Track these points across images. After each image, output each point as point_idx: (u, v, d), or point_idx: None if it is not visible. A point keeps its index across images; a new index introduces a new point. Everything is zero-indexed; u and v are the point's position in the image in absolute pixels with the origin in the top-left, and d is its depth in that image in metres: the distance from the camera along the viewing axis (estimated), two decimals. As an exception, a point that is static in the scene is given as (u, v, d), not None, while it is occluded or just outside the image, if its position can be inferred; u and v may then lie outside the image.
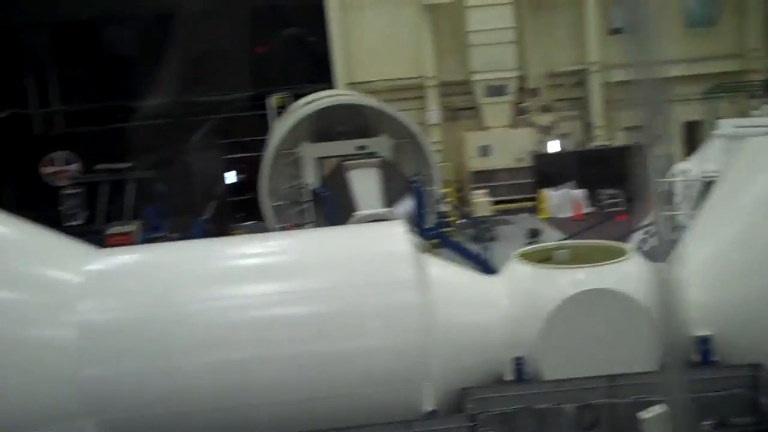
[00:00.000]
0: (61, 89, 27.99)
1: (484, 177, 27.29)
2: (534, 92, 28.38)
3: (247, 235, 11.82)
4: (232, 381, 6.74)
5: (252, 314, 6.90)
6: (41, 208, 18.88)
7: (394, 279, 6.98)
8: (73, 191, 22.32)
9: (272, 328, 6.83)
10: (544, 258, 8.12)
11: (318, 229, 11.42)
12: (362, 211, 13.99)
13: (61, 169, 24.22)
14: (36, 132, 27.45)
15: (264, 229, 21.42)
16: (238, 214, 25.97)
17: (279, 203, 17.39)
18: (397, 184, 15.25)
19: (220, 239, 8.80)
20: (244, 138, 26.79)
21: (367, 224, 11.13)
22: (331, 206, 13.91)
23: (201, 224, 17.69)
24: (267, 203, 18.49)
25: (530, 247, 8.50)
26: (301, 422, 6.68)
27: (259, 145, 26.31)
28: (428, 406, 6.86)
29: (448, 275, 7.58)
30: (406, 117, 18.85)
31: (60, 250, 7.44)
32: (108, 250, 7.89)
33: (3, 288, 6.79)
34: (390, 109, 18.95)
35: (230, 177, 27.19)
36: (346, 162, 15.35)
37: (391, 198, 14.81)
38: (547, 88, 28.37)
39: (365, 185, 14.64)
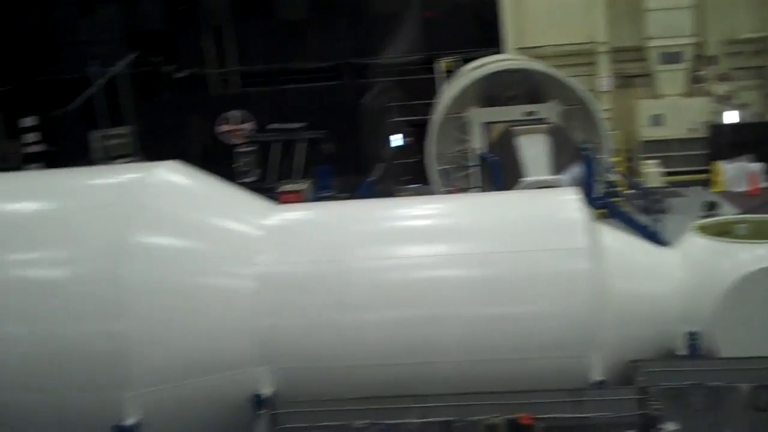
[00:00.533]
0: (238, 50, 28.93)
1: (654, 147, 26.40)
2: (711, 60, 27.14)
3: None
4: (402, 339, 6.89)
5: (424, 274, 7.02)
6: (217, 164, 19.72)
7: (567, 246, 6.93)
8: (247, 149, 23.14)
9: (443, 288, 6.92)
10: (721, 232, 7.84)
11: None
12: (529, 177, 13.87)
13: (235, 127, 25.11)
14: (213, 92, 28.54)
15: (428, 193, 21.61)
16: (403, 176, 26.21)
17: (445, 167, 17.44)
18: (566, 151, 15.02)
19: (393, 199, 8.96)
20: (412, 101, 26.94)
21: (539, 190, 11.07)
22: (498, 171, 13.86)
23: (369, 185, 17.97)
24: (433, 166, 18.62)
25: (708, 219, 8.24)
26: (465, 384, 6.75)
27: (427, 109, 26.47)
28: (596, 376, 6.81)
29: (621, 244, 7.46)
30: (577, 83, 18.47)
31: (242, 203, 7.77)
32: (285, 205, 8.19)
33: (187, 237, 7.16)
34: (560, 74, 18.66)
35: (396, 140, 27.43)
36: (515, 127, 15.22)
37: (559, 165, 14.60)
38: (725, 56, 27.09)
39: (533, 151, 14.49)
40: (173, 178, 7.65)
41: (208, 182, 7.91)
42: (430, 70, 26.89)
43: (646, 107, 26.92)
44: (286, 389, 6.94)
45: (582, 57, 27.05)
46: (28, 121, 28.97)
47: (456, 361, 6.82)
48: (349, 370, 6.96)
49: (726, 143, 25.12)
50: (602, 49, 27.16)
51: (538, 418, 6.58)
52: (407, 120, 27.44)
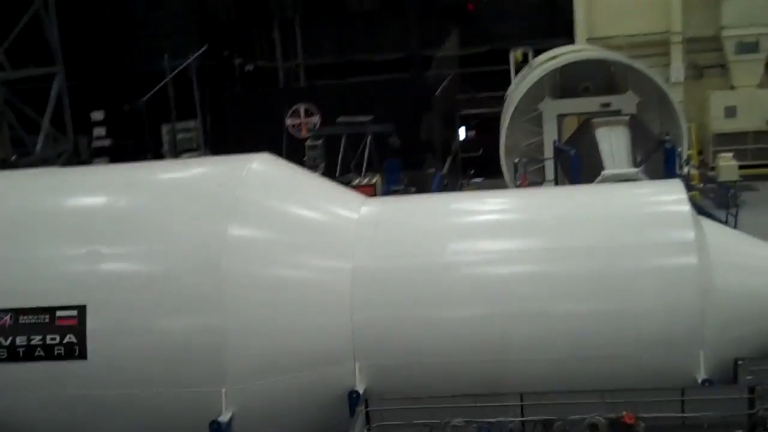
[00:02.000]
0: (306, 43, 28.97)
1: (727, 139, 25.82)
2: (789, 50, 26.42)
3: (510, 189, 11.76)
4: (500, 335, 6.74)
5: (524, 269, 6.87)
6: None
7: (675, 239, 6.71)
8: (315, 143, 23.04)
9: (544, 283, 6.75)
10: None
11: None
12: (610, 170, 13.57)
13: (303, 121, 25.11)
14: (281, 85, 28.62)
15: (497, 186, 21.37)
16: (468, 170, 26.02)
17: (518, 160, 17.20)
18: (645, 144, 14.66)
19: (484, 192, 8.81)
20: (479, 93, 26.73)
21: (635, 182, 10.86)
22: (577, 164, 13.58)
23: (440, 178, 17.80)
24: (506, 159, 18.39)
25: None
26: (565, 382, 6.59)
27: (493, 101, 26.21)
28: (701, 375, 6.58)
29: (726, 239, 7.21)
30: (656, 73, 18.09)
31: (336, 196, 7.69)
32: (377, 198, 8.10)
33: (285, 231, 7.10)
34: (639, 64, 18.28)
35: (461, 133, 27.25)
36: (594, 119, 14.92)
37: (638, 158, 14.26)
38: (804, 46, 26.34)
39: (613, 143, 14.18)
40: (268, 171, 7.60)
41: (301, 175, 7.86)
42: (497, 62, 26.67)
43: (720, 99, 26.31)
44: (379, 386, 6.85)
45: (655, 47, 26.52)
46: (98, 115, 29.40)
47: (556, 358, 6.64)
48: (444, 367, 6.83)
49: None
50: (676, 39, 26.59)
51: (641, 417, 6.38)
52: (473, 113, 27.27)
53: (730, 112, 25.98)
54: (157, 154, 24.35)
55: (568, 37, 26.28)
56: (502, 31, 27.10)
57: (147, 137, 24.74)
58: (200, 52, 24.84)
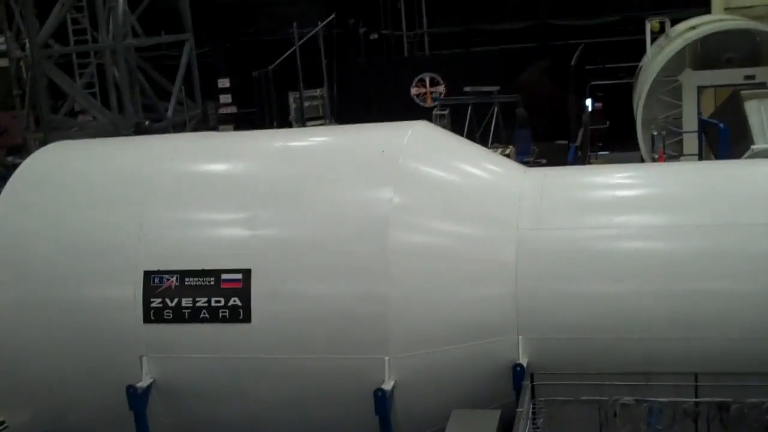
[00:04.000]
0: (428, 12, 28.72)
1: None
2: None
3: (670, 163, 11.38)
4: (669, 312, 6.48)
5: (694, 245, 6.60)
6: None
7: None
8: (440, 112, 22.92)
9: (717, 261, 6.46)
10: None
11: (746, 160, 10.73)
12: (760, 145, 12.96)
13: (428, 90, 24.99)
14: (405, 54, 28.48)
15: (625, 160, 20.78)
16: (596, 142, 25.40)
17: (656, 133, 16.65)
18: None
19: (643, 164, 8.51)
20: (609, 64, 26.03)
21: None
22: (726, 138, 13.03)
23: (574, 151, 17.42)
24: (642, 133, 17.84)
25: None
26: (741, 362, 6.31)
27: (623, 72, 25.48)
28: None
29: None
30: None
31: (497, 167, 7.52)
32: (537, 168, 7.91)
33: (448, 201, 6.97)
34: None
35: (589, 104, 26.58)
36: (743, 91, 14.27)
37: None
38: None
39: (764, 117, 13.52)
40: (428, 138, 7.48)
41: (461, 143, 7.72)
42: (629, 32, 25.89)
43: None
44: (542, 360, 6.68)
45: (797, 17, 25.28)
46: (224, 82, 29.87)
47: (734, 338, 6.34)
48: (611, 343, 6.61)
49: None
50: (820, 8, 25.26)
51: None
52: (602, 84, 26.57)
53: None
54: (283, 122, 24.57)
55: (704, 6, 25.27)
56: (635, 1, 26.26)
57: (273, 105, 24.98)
58: (328, 20, 24.88)
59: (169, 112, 24.29)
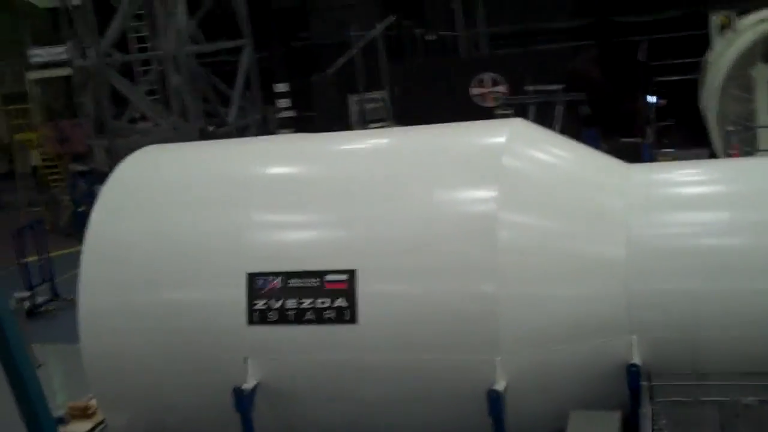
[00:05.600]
0: (486, 12, 28.53)
1: None
2: None
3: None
4: None
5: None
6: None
7: None
8: (504, 112, 22.70)
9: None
10: None
11: None
12: None
13: (489, 90, 24.80)
14: (463, 54, 28.31)
15: (697, 157, 20.40)
16: (663, 139, 25.03)
17: (731, 128, 16.33)
18: None
19: (744, 159, 8.29)
20: (672, 60, 25.60)
21: None
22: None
23: (647, 148, 17.14)
24: (715, 128, 17.51)
25: None
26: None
27: (688, 68, 25.03)
28: None
29: None
30: None
31: (603, 164, 7.39)
32: (641, 165, 7.76)
33: (557, 200, 6.84)
34: None
35: (652, 101, 26.20)
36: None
37: None
38: None
39: None
40: (529, 136, 7.36)
41: (561, 140, 7.58)
42: (692, 26, 25.44)
43: None
44: (656, 360, 6.52)
45: None
46: (282, 87, 29.94)
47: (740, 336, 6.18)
48: (727, 342, 6.44)
49: None
50: None
51: None
52: (664, 80, 26.15)
53: None
54: (343, 125, 24.55)
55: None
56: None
57: (334, 108, 24.98)
58: (387, 22, 24.81)
59: (231, 117, 24.42)
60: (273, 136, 10.28)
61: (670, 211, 6.84)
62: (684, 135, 24.77)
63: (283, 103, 29.68)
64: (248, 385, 6.90)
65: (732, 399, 6.22)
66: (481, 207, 6.71)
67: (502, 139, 7.16)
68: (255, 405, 6.93)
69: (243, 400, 6.87)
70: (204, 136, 21.39)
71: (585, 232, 6.75)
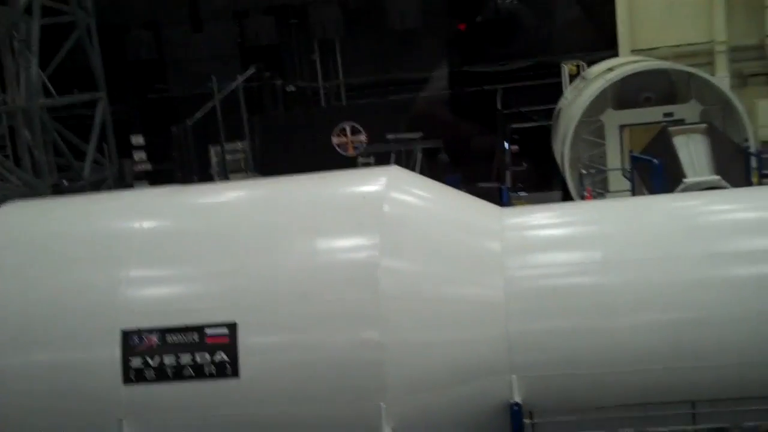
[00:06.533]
0: (347, 62, 28.94)
1: (776, 147, 25.61)
2: (835, 56, 26.31)
3: (651, 196, 11.58)
4: (663, 343, 6.54)
5: (691, 275, 6.68)
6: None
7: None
8: (367, 159, 23.04)
9: (712, 288, 6.57)
10: None
11: (752, 188, 11.05)
12: (692, 179, 13.40)
13: (349, 139, 25.08)
14: (324, 105, 28.58)
15: (542, 199, 21.19)
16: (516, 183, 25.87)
17: (585, 171, 17.06)
18: (723, 151, 14.48)
19: (626, 199, 8.61)
20: (522, 108, 26.63)
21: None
22: (660, 173, 13.41)
23: (506, 192, 17.66)
24: (569, 172, 18.25)
25: None
26: (735, 390, 6.43)
27: (537, 115, 26.10)
28: None
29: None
30: (721, 82, 17.98)
31: (477, 208, 7.54)
32: (515, 208, 7.96)
33: (436, 244, 6.93)
34: (703, 73, 18.19)
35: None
36: (671, 128, 14.78)
37: (717, 166, 14.08)
38: None
39: (692, 151, 14.01)
40: (405, 184, 7.45)
41: (438, 187, 7.70)
42: (541, 76, 26.59)
43: (766, 107, 26.11)
44: (536, 398, 6.66)
45: (699, 57, 26.42)
46: (138, 140, 29.38)
47: (727, 364, 6.44)
48: (604, 378, 6.63)
49: None
50: (720, 48, 26.49)
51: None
52: (517, 127, 27.15)
53: (779, 119, 25.79)
54: (204, 176, 24.28)
55: (612, 49, 26.19)
56: (547, 47, 27.03)
57: (193, 159, 24.69)
58: (248, 73, 24.81)
59: (86, 172, 23.75)
60: (143, 189, 10.06)
61: (546, 252, 7.03)
62: (537, 179, 25.75)
63: (140, 155, 29.14)
64: (125, 449, 6.63)
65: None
66: (363, 254, 6.71)
67: (381, 187, 7.22)
68: (135, 468, 6.66)
69: (121, 463, 6.60)
70: (57, 191, 20.70)
71: (465, 277, 6.86)
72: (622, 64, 20.07)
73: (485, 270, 6.87)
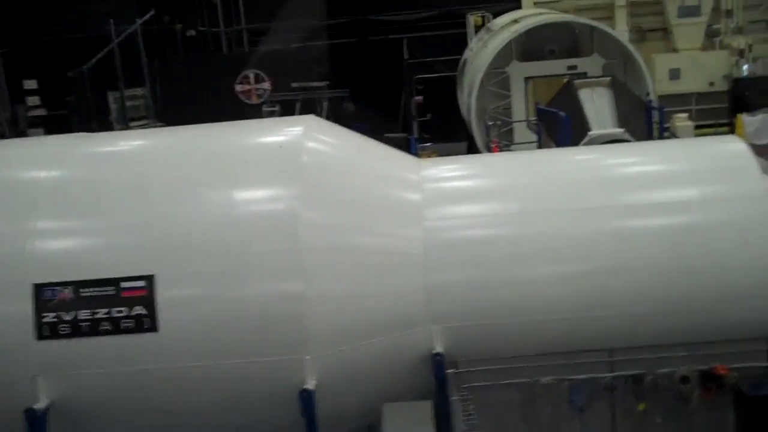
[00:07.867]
0: (246, 8, 28.32)
1: (672, 101, 26.30)
2: (728, 13, 27.02)
3: (585, 147, 11.69)
4: (580, 292, 6.68)
5: (607, 225, 6.81)
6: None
7: (753, 192, 6.76)
8: (269, 109, 22.71)
9: (626, 238, 6.72)
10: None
11: (655, 141, 11.22)
12: (596, 131, 13.64)
13: (253, 87, 24.65)
14: (226, 51, 27.95)
15: (447, 150, 21.31)
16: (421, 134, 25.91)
17: (491, 123, 17.20)
18: (626, 104, 14.78)
19: (550, 150, 8.71)
20: (427, 58, 26.57)
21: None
22: (567, 126, 13.60)
23: (414, 143, 17.64)
24: (475, 123, 18.37)
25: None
26: (651, 337, 6.63)
27: (442, 65, 26.08)
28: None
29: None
30: (622, 36, 18.29)
31: (396, 159, 7.51)
32: (432, 159, 7.96)
33: (356, 196, 6.88)
34: (606, 27, 18.47)
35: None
36: (576, 81, 14.97)
37: (621, 118, 14.37)
38: (743, 9, 26.98)
39: (597, 104, 14.24)
40: (324, 135, 7.36)
41: (356, 137, 7.63)
42: (447, 26, 26.58)
43: (663, 61, 26.73)
44: (458, 348, 6.73)
45: (599, 11, 26.77)
46: (31, 84, 28.22)
47: (641, 313, 6.62)
48: (519, 327, 6.74)
49: (747, 96, 25.05)
50: (620, 2, 26.89)
51: (734, 368, 6.46)
52: (422, 77, 27.12)
53: (674, 74, 26.44)
54: (102, 123, 23.52)
55: (515, 1, 26.32)
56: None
57: (91, 105, 23.88)
58: (147, 17, 24.02)
59: (-23, 117, 22.77)
60: (46, 137, 9.62)
61: (464, 204, 7.06)
62: (443, 130, 25.79)
63: (33, 100, 28.05)
64: (40, 405, 6.43)
65: (532, 380, 6.56)
66: (282, 205, 6.62)
67: (297, 136, 7.11)
68: (50, 426, 6.47)
69: (35, 421, 6.39)
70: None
71: (385, 228, 6.85)
72: (526, 16, 20.23)
73: (405, 221, 6.87)
